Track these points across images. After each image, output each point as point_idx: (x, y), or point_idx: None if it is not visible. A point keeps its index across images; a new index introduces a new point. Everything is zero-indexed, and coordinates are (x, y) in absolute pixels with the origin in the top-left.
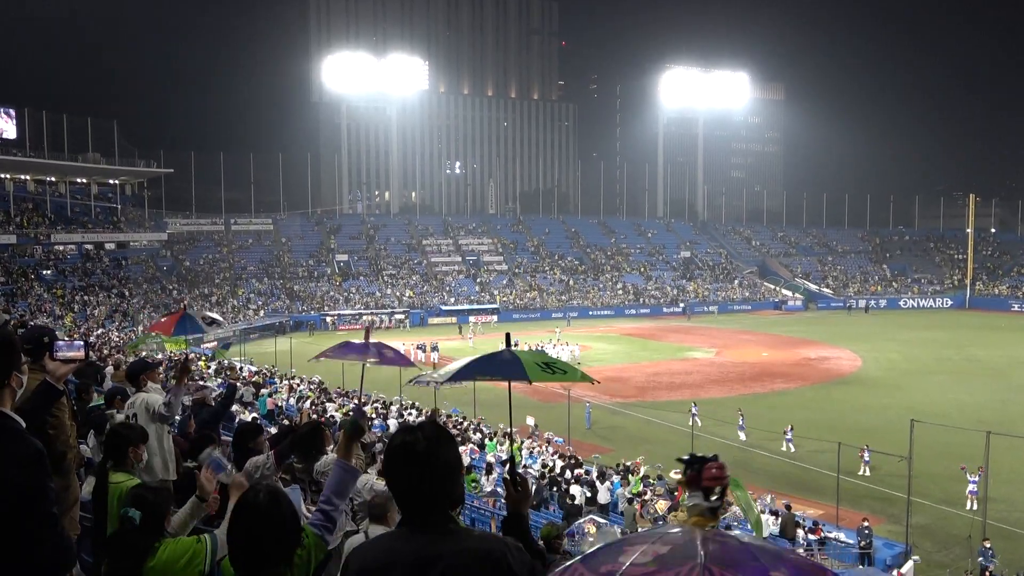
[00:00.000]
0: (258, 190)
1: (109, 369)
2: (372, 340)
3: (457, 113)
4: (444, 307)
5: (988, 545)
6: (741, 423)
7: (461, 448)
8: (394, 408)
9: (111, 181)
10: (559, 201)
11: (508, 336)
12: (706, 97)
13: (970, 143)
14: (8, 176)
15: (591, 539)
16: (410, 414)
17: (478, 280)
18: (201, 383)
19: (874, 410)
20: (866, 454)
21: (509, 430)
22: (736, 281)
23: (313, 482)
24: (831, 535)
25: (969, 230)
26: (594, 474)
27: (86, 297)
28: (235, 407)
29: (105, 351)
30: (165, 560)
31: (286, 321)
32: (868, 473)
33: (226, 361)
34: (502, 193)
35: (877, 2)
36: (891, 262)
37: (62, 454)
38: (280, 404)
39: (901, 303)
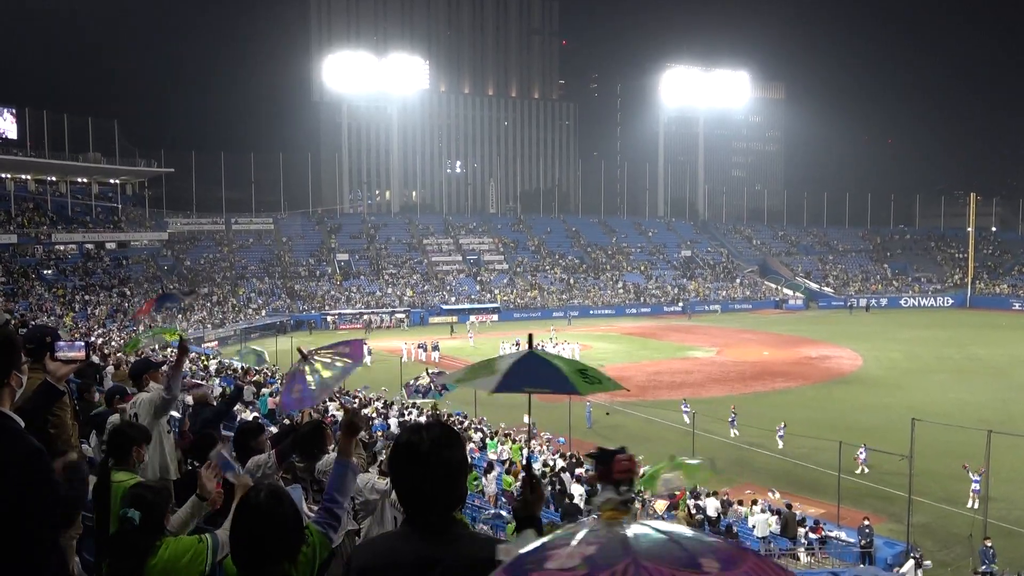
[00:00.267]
0: (259, 189)
1: (110, 369)
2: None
3: (458, 112)
4: (445, 306)
5: (989, 544)
6: (733, 419)
7: None
8: (395, 408)
9: (112, 181)
10: (560, 200)
11: (531, 337)
12: (707, 96)
13: (971, 142)
14: (9, 176)
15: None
16: (410, 414)
17: (479, 279)
18: (195, 380)
19: (875, 409)
20: (862, 454)
21: (528, 428)
22: (737, 280)
23: (315, 481)
24: (832, 534)
25: (970, 229)
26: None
27: (87, 297)
28: (236, 406)
29: (106, 351)
30: (167, 559)
31: (287, 320)
32: (866, 471)
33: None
34: (503, 192)
35: (877, 2)
36: (892, 261)
37: (63, 454)
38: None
39: (902, 302)
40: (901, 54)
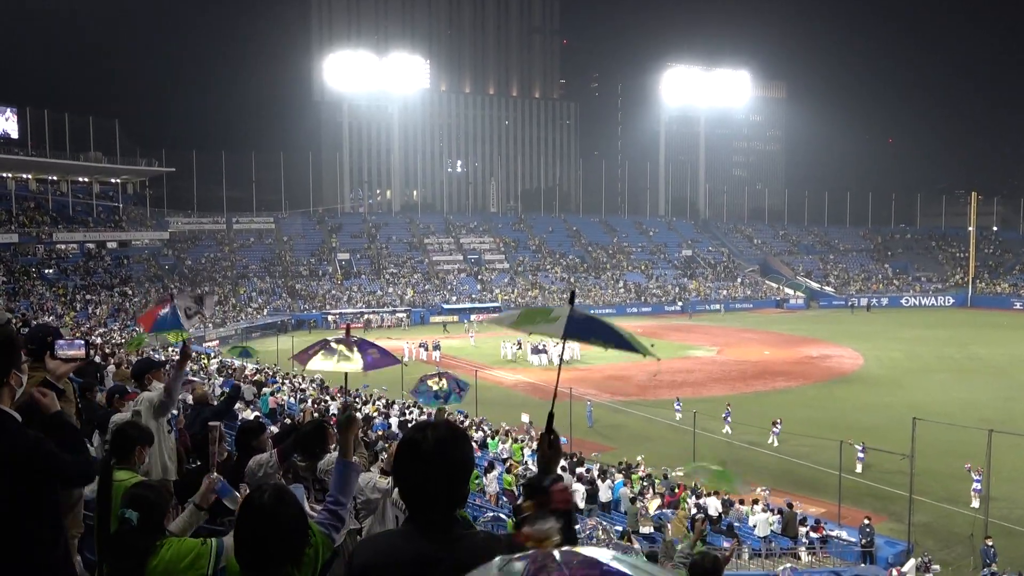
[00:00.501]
0: (260, 189)
1: (111, 368)
2: (355, 338)
3: (458, 112)
4: (446, 306)
5: (990, 543)
6: (727, 415)
7: None
8: (396, 407)
9: (113, 180)
10: (560, 199)
11: (573, 294)
12: (708, 95)
13: (972, 141)
14: (10, 175)
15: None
16: (411, 413)
17: (480, 279)
18: (193, 379)
19: (876, 408)
20: (859, 452)
21: (552, 408)
22: (738, 280)
23: (317, 480)
24: (833, 533)
25: (971, 228)
26: (595, 472)
27: (88, 296)
28: (237, 405)
29: (107, 350)
30: (168, 560)
31: (288, 320)
32: (860, 470)
33: (237, 361)
34: (503, 191)
35: (878, 1)
36: (893, 260)
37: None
38: (282, 403)
39: (903, 301)
40: (902, 53)
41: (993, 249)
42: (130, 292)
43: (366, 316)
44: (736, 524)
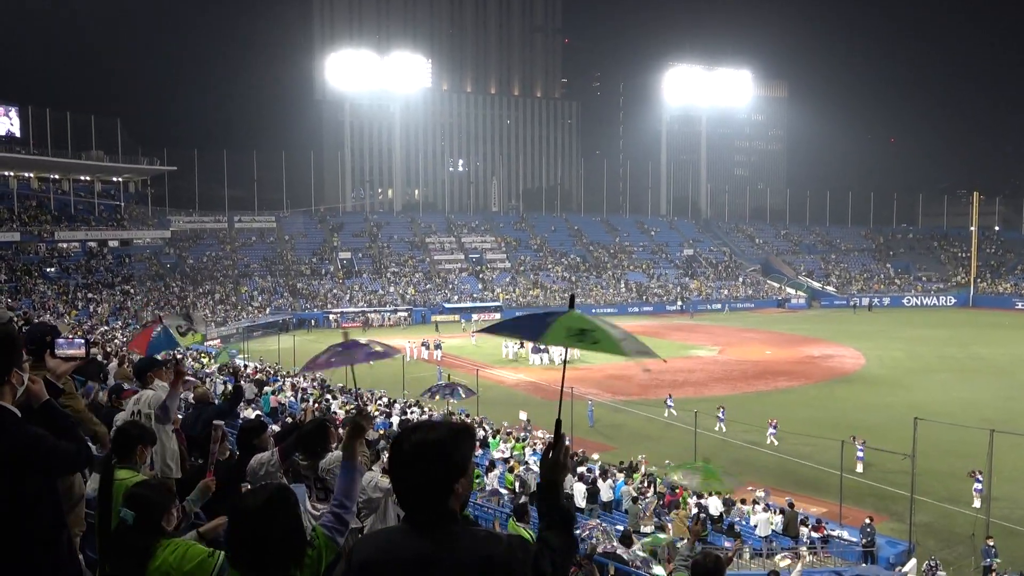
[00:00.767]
0: (261, 188)
1: (112, 365)
2: (353, 339)
3: (460, 111)
4: (447, 305)
5: (991, 543)
6: (721, 415)
7: None
8: (397, 406)
9: (114, 179)
10: (562, 199)
11: (572, 298)
12: (709, 95)
13: (974, 140)
14: (12, 174)
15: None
16: (413, 412)
17: (481, 278)
18: (189, 377)
19: (877, 408)
20: (859, 451)
21: (559, 416)
22: (739, 279)
23: (318, 479)
24: (834, 533)
25: (973, 228)
26: (596, 472)
27: (89, 295)
28: (238, 405)
29: (109, 348)
30: (171, 563)
31: (289, 319)
32: (861, 470)
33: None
34: (505, 191)
35: (880, 0)
36: (894, 260)
37: (92, 434)
38: (283, 402)
39: (905, 301)
40: (903, 52)
41: (995, 249)
42: (131, 291)
43: (367, 315)
44: (737, 522)
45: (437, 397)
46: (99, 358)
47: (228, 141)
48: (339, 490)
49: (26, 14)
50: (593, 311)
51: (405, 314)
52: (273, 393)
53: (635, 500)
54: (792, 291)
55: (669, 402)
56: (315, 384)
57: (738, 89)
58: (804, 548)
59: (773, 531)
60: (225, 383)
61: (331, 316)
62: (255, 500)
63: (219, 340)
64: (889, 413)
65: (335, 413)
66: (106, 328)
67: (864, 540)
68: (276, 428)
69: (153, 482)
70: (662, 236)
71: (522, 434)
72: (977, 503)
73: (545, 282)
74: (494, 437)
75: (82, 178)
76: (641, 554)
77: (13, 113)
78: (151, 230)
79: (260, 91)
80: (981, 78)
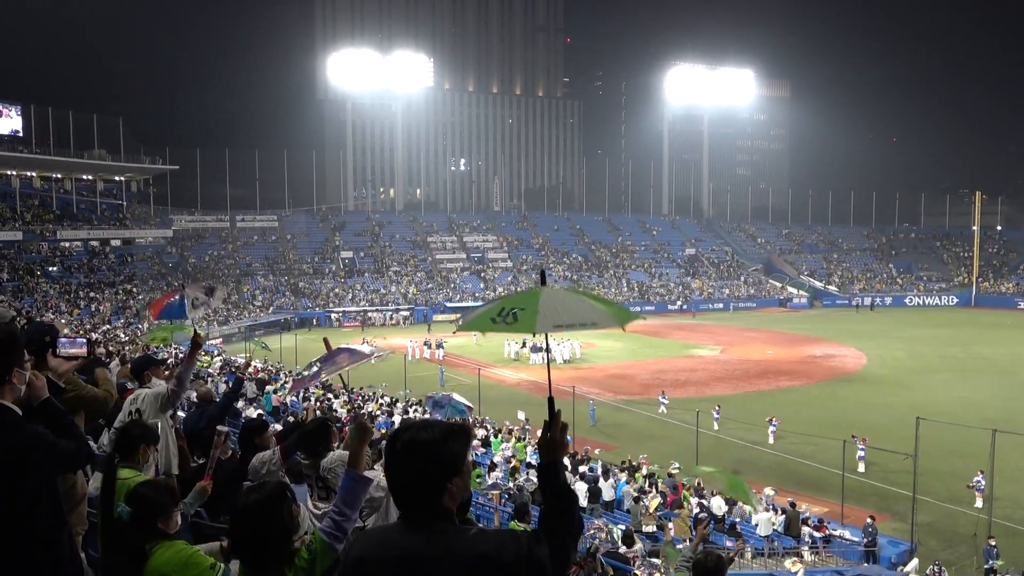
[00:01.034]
0: (263, 187)
1: (114, 364)
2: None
3: (462, 110)
4: (449, 304)
5: (993, 543)
6: (716, 414)
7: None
8: (399, 405)
9: (117, 178)
10: (564, 198)
11: (543, 273)
12: (711, 94)
13: (976, 140)
14: (14, 173)
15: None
16: (416, 411)
17: (483, 277)
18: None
19: (879, 408)
20: (860, 451)
21: (550, 394)
22: (741, 278)
23: (320, 479)
24: (836, 532)
25: (975, 228)
26: (598, 471)
27: (92, 294)
28: (240, 404)
29: (111, 347)
30: (171, 565)
31: (291, 318)
32: (863, 469)
33: (244, 357)
34: (507, 190)
35: (882, 0)
36: (897, 260)
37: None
38: (285, 401)
39: (907, 301)
40: (906, 52)
41: (997, 249)
42: (134, 290)
43: (367, 314)
44: (738, 522)
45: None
46: (103, 358)
47: (230, 140)
48: (341, 497)
49: (28, 13)
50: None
51: (406, 313)
52: (275, 392)
53: (637, 500)
54: (794, 291)
55: (662, 399)
56: (317, 384)
57: (740, 88)
58: (806, 548)
59: (775, 531)
60: (227, 382)
61: (332, 315)
62: (255, 496)
63: (221, 340)
64: (891, 413)
65: (336, 412)
66: (108, 327)
67: (866, 540)
68: (278, 427)
69: (157, 482)
70: (664, 235)
71: (522, 434)
72: (979, 503)
73: (547, 281)
74: (496, 437)
75: (84, 177)
76: (656, 561)
77: (16, 112)
78: (153, 229)
79: (262, 90)
80: (984, 78)
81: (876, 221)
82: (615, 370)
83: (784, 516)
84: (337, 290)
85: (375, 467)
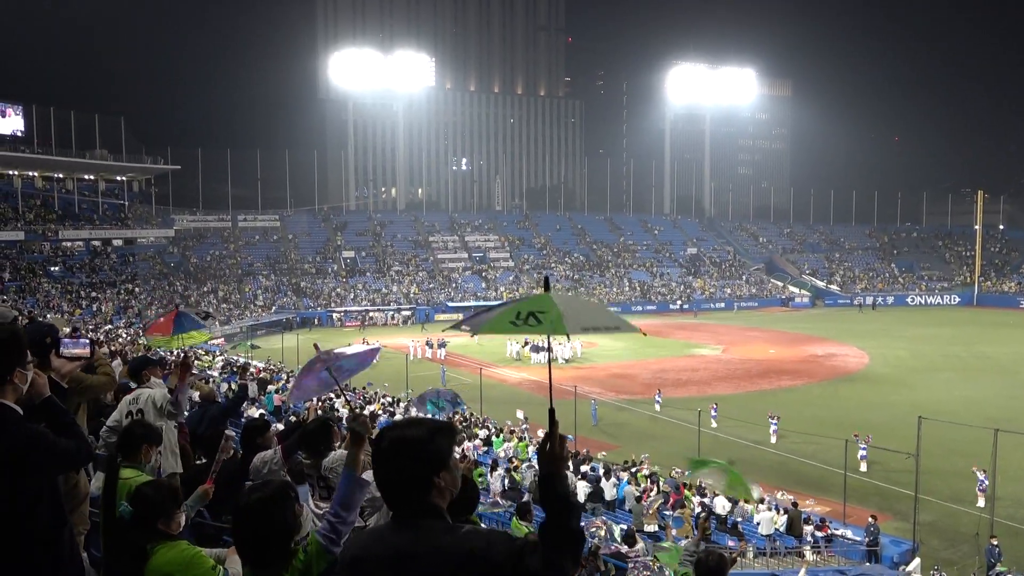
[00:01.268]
0: (265, 187)
1: (117, 363)
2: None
3: (463, 110)
4: (450, 303)
5: (995, 543)
6: (714, 413)
7: (467, 444)
8: (401, 405)
9: (118, 178)
10: (566, 198)
11: (547, 279)
12: (713, 93)
13: (978, 139)
14: (16, 173)
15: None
16: (416, 411)
17: (484, 277)
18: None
19: (881, 407)
20: (862, 450)
21: (551, 405)
22: (743, 278)
23: (321, 478)
24: (838, 532)
25: (977, 227)
26: (600, 471)
27: (93, 294)
28: (242, 404)
29: (114, 347)
30: (172, 565)
31: (293, 318)
32: (865, 469)
33: (239, 358)
34: (508, 190)
35: None
36: (899, 259)
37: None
38: (287, 400)
39: (909, 300)
40: (907, 51)
41: (999, 248)
42: (136, 290)
43: (367, 314)
44: (740, 521)
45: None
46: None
47: (232, 140)
48: (337, 499)
49: (30, 13)
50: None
51: (408, 313)
52: (277, 392)
53: (638, 499)
54: (796, 290)
55: (657, 397)
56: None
57: (742, 88)
58: (808, 547)
59: (777, 530)
60: (229, 382)
61: (334, 315)
62: (258, 495)
63: (222, 340)
64: (893, 412)
65: (338, 411)
66: (110, 327)
67: (868, 539)
68: (279, 426)
69: (160, 483)
70: (666, 235)
71: (523, 434)
72: (981, 502)
73: (550, 286)
74: (498, 436)
75: (86, 177)
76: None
77: (18, 112)
78: (155, 229)
79: (264, 90)
80: (985, 77)
81: (878, 220)
82: (617, 369)
83: (786, 516)
84: (339, 290)
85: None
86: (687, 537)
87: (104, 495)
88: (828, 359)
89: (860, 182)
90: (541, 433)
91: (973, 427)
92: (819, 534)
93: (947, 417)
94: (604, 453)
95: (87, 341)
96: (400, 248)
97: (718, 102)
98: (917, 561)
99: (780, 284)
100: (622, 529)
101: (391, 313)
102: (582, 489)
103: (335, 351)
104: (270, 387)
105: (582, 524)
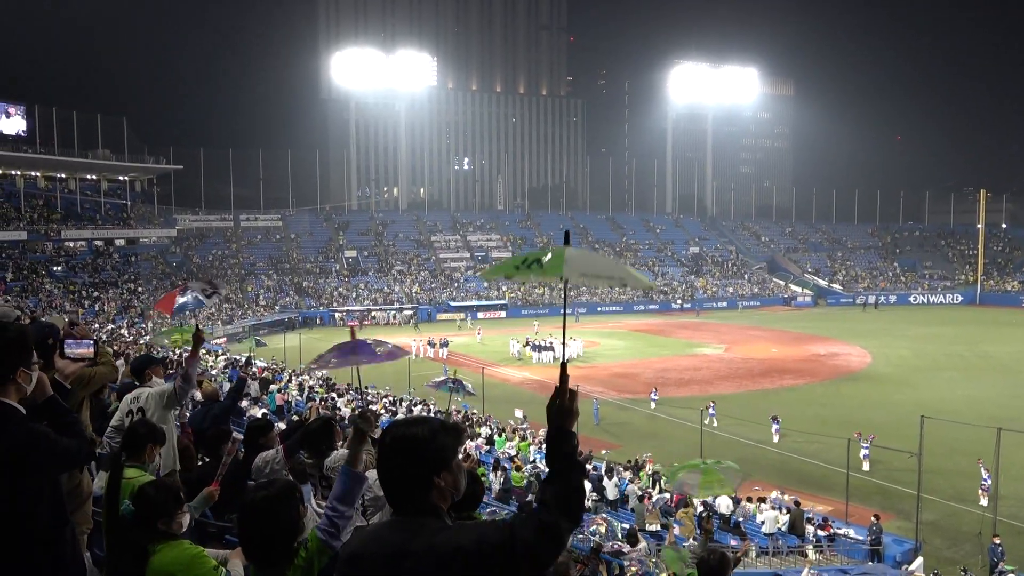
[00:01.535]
0: (267, 186)
1: (120, 362)
2: (361, 338)
3: (465, 109)
4: (452, 303)
5: (998, 542)
6: (711, 411)
7: (469, 443)
8: (403, 404)
9: (121, 177)
10: (567, 197)
11: (568, 234)
12: (715, 92)
13: (980, 138)
14: (19, 173)
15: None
16: (418, 410)
17: None
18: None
19: (884, 406)
20: (864, 449)
21: (563, 359)
22: (745, 277)
23: (323, 478)
24: (840, 531)
25: (980, 225)
26: (602, 470)
27: (96, 293)
28: (244, 403)
29: (116, 347)
30: (175, 565)
31: (295, 317)
32: (867, 468)
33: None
34: (510, 189)
35: None
36: (901, 258)
37: (91, 440)
38: (289, 399)
39: (911, 299)
40: (910, 50)
41: (1002, 247)
42: (138, 289)
43: (372, 313)
44: (742, 521)
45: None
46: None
47: (234, 140)
48: (335, 494)
49: (30, 13)
50: (599, 308)
51: (410, 313)
52: (279, 391)
53: (640, 498)
54: (798, 289)
55: (654, 395)
56: (321, 382)
57: (744, 87)
58: (810, 547)
59: (779, 529)
60: (230, 380)
61: (336, 315)
62: (264, 493)
63: (225, 339)
64: (895, 411)
65: (340, 411)
66: (113, 327)
67: (870, 538)
68: (281, 426)
69: (162, 483)
70: (668, 234)
71: (525, 433)
72: (984, 501)
73: (552, 281)
74: (500, 435)
75: (88, 177)
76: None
77: (20, 112)
78: (157, 229)
79: (266, 90)
80: (987, 76)
81: (880, 219)
82: (619, 369)
83: (788, 515)
84: (341, 289)
85: None
86: (690, 536)
87: (107, 494)
88: (830, 358)
89: (862, 181)
90: (543, 433)
91: (976, 426)
92: (822, 533)
93: (950, 416)
94: (606, 452)
95: (90, 342)
96: (402, 248)
97: (720, 101)
98: (920, 560)
99: (782, 283)
100: (624, 528)
101: (392, 313)
102: (586, 488)
103: (369, 341)
104: (272, 386)
105: (584, 518)
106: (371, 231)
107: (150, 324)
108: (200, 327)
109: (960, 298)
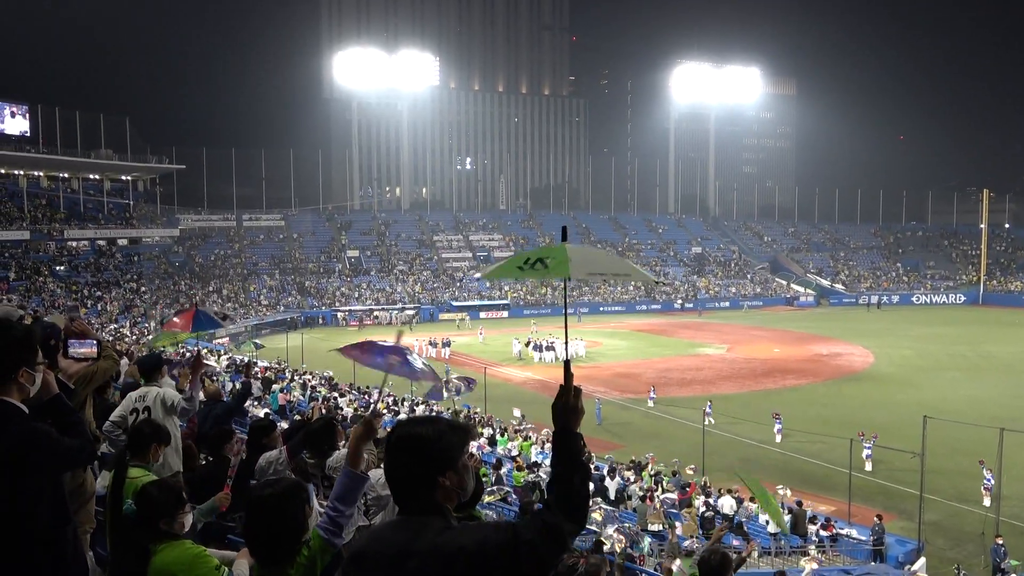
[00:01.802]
0: (269, 186)
1: (124, 362)
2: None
3: (468, 109)
4: (455, 303)
5: (1001, 542)
6: (708, 410)
7: (472, 442)
8: (406, 404)
9: (123, 177)
10: (570, 197)
11: (564, 229)
12: (718, 92)
13: (983, 138)
14: (22, 172)
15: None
16: (420, 410)
17: None
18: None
19: (886, 406)
20: (866, 449)
21: (567, 357)
22: (748, 277)
23: (325, 477)
24: (843, 532)
25: (983, 225)
26: (604, 469)
27: (98, 293)
28: (246, 403)
29: (119, 347)
30: (177, 564)
31: (297, 317)
32: (870, 468)
33: (244, 358)
34: (513, 189)
35: None
36: (904, 258)
37: (94, 439)
38: (291, 399)
39: (914, 299)
40: (912, 50)
41: (1005, 247)
42: (141, 289)
43: (374, 313)
44: (745, 521)
45: (449, 396)
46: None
47: (236, 139)
48: (335, 492)
49: (33, 14)
50: (601, 308)
51: (412, 312)
52: (281, 391)
53: (643, 498)
54: (801, 289)
55: (652, 394)
56: (323, 382)
57: (746, 86)
58: (813, 547)
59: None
60: (233, 381)
61: (339, 314)
62: (271, 491)
63: (227, 339)
64: (898, 411)
65: (342, 411)
66: (115, 326)
67: (873, 538)
68: (284, 425)
69: (165, 483)
70: (670, 234)
71: (526, 432)
72: (987, 501)
73: (553, 280)
74: (502, 435)
75: (91, 177)
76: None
77: (23, 113)
78: (160, 228)
79: (268, 90)
80: (990, 76)
81: (883, 219)
82: (621, 369)
83: (791, 515)
84: (343, 289)
85: (381, 466)
86: (692, 536)
87: (111, 493)
88: (833, 358)
89: (865, 181)
90: (546, 431)
91: (978, 426)
92: (824, 533)
93: (952, 416)
94: (609, 456)
95: (94, 341)
96: (404, 247)
97: (722, 101)
98: (922, 561)
99: (785, 283)
100: (624, 528)
101: (395, 312)
102: None
103: (408, 355)
104: (275, 386)
105: (592, 516)
106: (373, 231)
107: (152, 324)
108: (200, 351)
109: (963, 298)
